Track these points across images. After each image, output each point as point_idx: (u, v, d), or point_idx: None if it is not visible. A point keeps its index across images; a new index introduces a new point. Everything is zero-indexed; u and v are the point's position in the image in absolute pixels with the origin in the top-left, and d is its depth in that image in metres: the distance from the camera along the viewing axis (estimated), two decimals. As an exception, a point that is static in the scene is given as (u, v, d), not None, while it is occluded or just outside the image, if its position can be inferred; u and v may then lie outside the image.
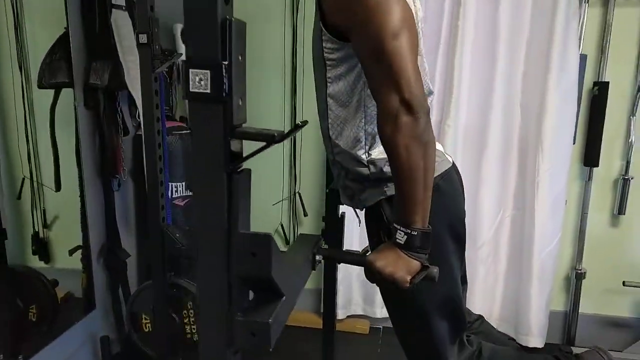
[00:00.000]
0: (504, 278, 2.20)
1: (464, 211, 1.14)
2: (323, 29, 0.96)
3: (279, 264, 0.65)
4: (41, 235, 2.21)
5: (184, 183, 2.22)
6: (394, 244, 0.89)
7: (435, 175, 0.95)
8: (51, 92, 1.96)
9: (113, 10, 1.88)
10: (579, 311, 2.21)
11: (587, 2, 1.97)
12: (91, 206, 2.02)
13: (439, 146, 1.06)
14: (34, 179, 2.19)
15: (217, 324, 0.64)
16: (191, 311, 1.86)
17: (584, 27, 1.99)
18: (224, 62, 0.58)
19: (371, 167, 1.01)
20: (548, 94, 1.96)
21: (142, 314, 1.98)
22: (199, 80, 0.59)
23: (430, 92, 1.12)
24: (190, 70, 0.59)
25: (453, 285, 1.08)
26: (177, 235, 1.81)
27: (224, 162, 0.60)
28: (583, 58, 1.99)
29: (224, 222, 0.61)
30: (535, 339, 2.12)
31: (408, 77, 0.84)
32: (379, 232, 1.00)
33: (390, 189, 1.00)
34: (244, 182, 0.62)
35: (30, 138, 2.14)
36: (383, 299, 1.13)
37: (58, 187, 2.09)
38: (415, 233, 0.87)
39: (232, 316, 0.64)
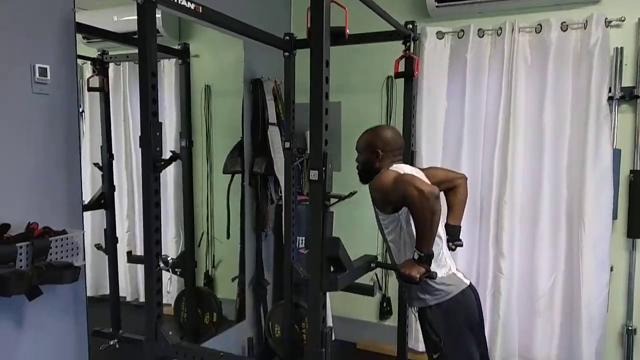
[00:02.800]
0: (559, 327, 2.65)
1: (477, 311, 1.85)
2: (375, 208, 1.84)
3: (343, 253, 1.46)
4: (210, 273, 3.22)
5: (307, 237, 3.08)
6: (412, 259, 1.65)
7: (456, 293, 1.79)
8: (226, 177, 2.99)
9: (269, 126, 2.95)
10: (633, 365, 2.55)
11: (617, 110, 2.54)
12: (248, 249, 3.00)
13: (459, 274, 1.86)
14: (209, 233, 3.24)
15: (316, 278, 1.46)
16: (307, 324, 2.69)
17: (616, 129, 2.55)
18: (323, 168, 1.45)
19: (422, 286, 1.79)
20: (586, 179, 2.51)
21: (275, 324, 2.86)
22: (313, 175, 1.46)
23: (440, 237, 1.84)
24: (310, 170, 1.47)
25: (468, 356, 1.79)
26: (301, 269, 2.68)
27: (321, 207, 1.45)
28: (617, 152, 2.54)
29: (320, 232, 1.45)
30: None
31: (421, 186, 1.60)
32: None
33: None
34: (329, 215, 1.47)
35: (208, 205, 3.22)
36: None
37: (228, 236, 3.12)
38: (423, 254, 1.63)
39: (323, 274, 1.45)
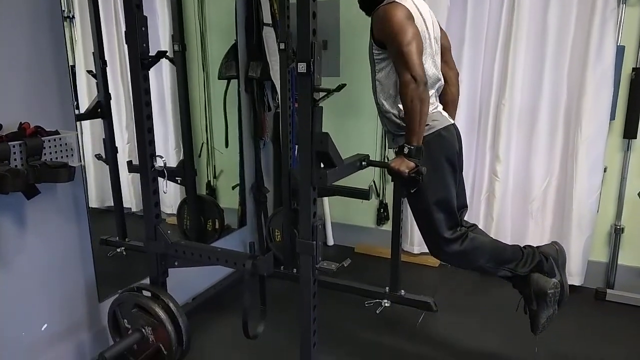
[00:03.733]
0: (550, 228, 2.73)
1: (457, 149, 1.86)
2: (372, 41, 1.78)
3: (333, 149, 1.46)
4: (212, 183, 3.28)
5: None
6: (402, 153, 1.66)
7: (439, 127, 1.76)
8: (223, 82, 2.96)
9: (264, 27, 2.84)
10: (618, 262, 2.64)
11: (625, 3, 2.41)
12: (247, 158, 3.03)
13: (444, 112, 1.85)
14: (209, 143, 3.24)
15: (306, 173, 1.48)
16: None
17: (622, 24, 2.44)
18: (311, 59, 1.41)
19: (401, 121, 1.78)
20: (587, 78, 2.45)
21: (275, 229, 2.96)
22: (301, 67, 1.43)
23: (438, 79, 1.86)
24: (298, 62, 1.43)
25: (447, 192, 1.81)
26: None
27: (310, 101, 1.43)
28: (620, 49, 2.44)
29: (309, 127, 1.44)
30: (573, 278, 2.62)
31: (413, 65, 1.62)
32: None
33: None
34: (318, 111, 1.46)
35: (207, 115, 3.19)
36: (406, 195, 1.89)
37: (226, 145, 3.13)
38: (412, 147, 1.64)
39: (313, 169, 1.47)
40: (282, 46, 2.56)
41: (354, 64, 3.01)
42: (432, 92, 1.81)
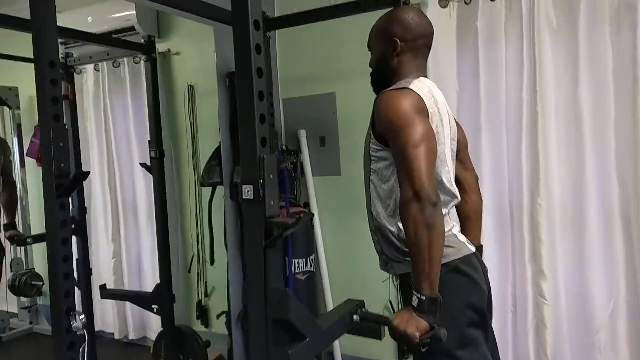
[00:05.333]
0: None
1: (486, 290, 1.33)
2: (372, 133, 1.33)
3: (300, 312, 0.96)
4: (203, 303, 2.81)
5: (305, 259, 2.63)
6: (410, 306, 1.13)
7: (455, 259, 1.24)
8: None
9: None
10: None
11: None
12: (232, 279, 2.54)
13: (461, 237, 1.33)
14: (200, 256, 2.83)
15: (260, 352, 0.97)
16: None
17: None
18: (260, 180, 0.97)
19: (403, 244, 1.28)
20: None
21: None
22: (247, 192, 0.98)
23: (454, 197, 1.37)
24: (243, 185, 0.99)
25: (476, 354, 1.25)
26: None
27: (261, 242, 0.97)
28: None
29: (262, 281, 0.96)
30: None
31: (421, 177, 1.14)
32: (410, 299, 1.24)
33: None
34: (275, 256, 0.98)
35: (198, 224, 2.82)
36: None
37: (212, 262, 2.69)
38: (424, 298, 1.11)
39: (270, 347, 0.96)
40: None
41: (355, 161, 2.60)
42: (445, 210, 1.33)
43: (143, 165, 2.59)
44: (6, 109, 2.88)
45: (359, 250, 2.55)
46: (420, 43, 1.38)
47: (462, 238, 1.35)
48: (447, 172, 1.34)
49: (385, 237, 1.34)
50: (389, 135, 1.25)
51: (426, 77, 1.41)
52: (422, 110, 1.24)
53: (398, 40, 1.35)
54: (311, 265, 2.64)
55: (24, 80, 2.77)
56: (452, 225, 1.36)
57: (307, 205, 2.74)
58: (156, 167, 2.54)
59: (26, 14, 1.26)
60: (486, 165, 2.22)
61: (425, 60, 1.43)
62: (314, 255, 2.68)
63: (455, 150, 1.43)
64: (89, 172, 1.32)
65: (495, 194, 2.23)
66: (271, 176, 0.98)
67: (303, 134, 2.72)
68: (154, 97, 2.52)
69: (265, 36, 2.09)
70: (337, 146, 2.70)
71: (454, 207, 1.43)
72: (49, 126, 1.26)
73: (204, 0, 1.72)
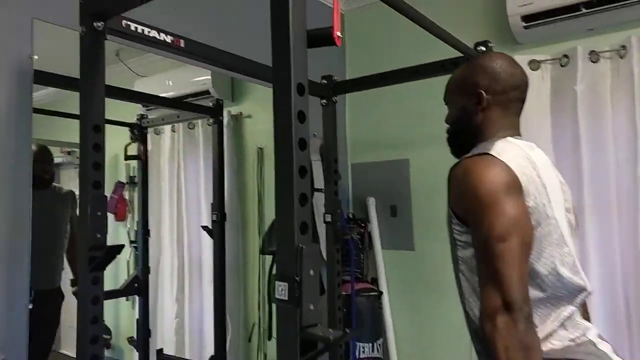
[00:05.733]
0: None
1: None
2: (451, 211, 1.07)
3: None
4: (262, 376, 2.63)
5: (371, 344, 2.35)
6: None
7: None
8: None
9: (314, 192, 2.34)
10: None
11: None
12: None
13: (603, 344, 1.01)
14: (260, 324, 2.67)
15: None
16: None
17: None
18: (296, 277, 0.77)
19: None
20: None
21: None
22: (281, 291, 0.79)
23: (580, 289, 1.05)
24: (276, 282, 0.80)
25: None
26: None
27: (297, 356, 0.76)
28: None
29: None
30: None
31: (510, 281, 0.88)
32: None
33: None
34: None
35: (260, 290, 2.68)
36: None
37: (269, 336, 2.50)
38: None
39: None
40: (329, 218, 1.98)
41: (430, 234, 2.36)
42: (571, 309, 1.02)
43: (204, 228, 2.53)
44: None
45: (435, 336, 2.28)
46: (512, 96, 1.13)
47: (605, 346, 1.01)
48: (567, 255, 1.03)
49: (486, 346, 1.02)
50: (469, 218, 1.00)
51: (519, 136, 1.15)
52: (512, 185, 0.97)
53: (483, 92, 1.12)
54: (378, 351, 2.37)
55: (109, 139, 2.92)
56: (583, 327, 1.04)
57: (374, 281, 2.50)
58: (217, 231, 2.47)
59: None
60: (590, 255, 1.87)
61: (518, 116, 1.17)
62: (381, 339, 2.40)
63: (574, 222, 1.12)
64: (122, 246, 1.20)
65: (604, 283, 1.86)
66: (311, 272, 0.78)
67: (372, 201, 2.52)
68: (218, 160, 2.52)
69: (331, 100, 1.97)
70: (409, 217, 2.48)
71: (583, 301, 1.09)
72: (87, 193, 1.17)
73: (268, 65, 1.66)
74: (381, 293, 2.38)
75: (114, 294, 2.46)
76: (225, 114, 2.55)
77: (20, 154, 1.42)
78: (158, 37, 1.36)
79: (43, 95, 1.72)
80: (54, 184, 1.91)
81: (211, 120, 2.47)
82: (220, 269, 2.46)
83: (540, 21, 2.03)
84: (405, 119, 2.49)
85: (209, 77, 2.61)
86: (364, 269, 2.48)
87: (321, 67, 1.98)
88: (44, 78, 1.47)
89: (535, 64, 2.10)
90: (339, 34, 0.89)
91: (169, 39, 1.38)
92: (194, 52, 1.45)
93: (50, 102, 1.97)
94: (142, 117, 2.67)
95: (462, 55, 1.60)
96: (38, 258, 1.45)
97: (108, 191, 2.84)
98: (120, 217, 2.59)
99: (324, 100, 1.97)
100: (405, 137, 2.48)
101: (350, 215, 2.53)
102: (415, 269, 2.44)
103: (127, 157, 2.49)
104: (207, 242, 2.77)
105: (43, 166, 1.75)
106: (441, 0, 2.36)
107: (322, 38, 0.88)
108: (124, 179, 2.59)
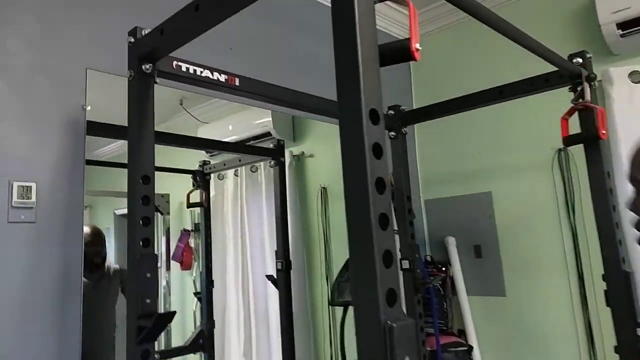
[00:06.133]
0: None
1: None
2: None
3: None
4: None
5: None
6: None
7: None
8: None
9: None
10: None
11: None
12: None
13: None
14: (334, 380, 2.45)
15: None
16: None
17: None
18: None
19: None
20: None
21: None
22: None
23: None
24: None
25: None
26: None
27: None
28: None
29: None
30: None
31: None
32: None
33: None
34: None
35: (332, 343, 2.46)
36: None
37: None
38: None
39: None
40: (406, 264, 1.74)
41: (523, 277, 2.05)
42: None
43: (269, 277, 2.38)
44: (158, 214, 3.00)
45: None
46: None
47: None
48: None
49: None
50: None
51: None
52: None
53: None
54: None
55: (176, 186, 2.92)
56: None
57: (461, 332, 2.19)
58: (282, 280, 2.31)
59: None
60: None
61: None
62: (476, 402, 2.08)
63: None
64: (174, 313, 1.04)
65: None
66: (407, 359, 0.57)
67: (452, 241, 2.26)
68: (281, 202, 2.39)
69: (400, 131, 1.77)
70: (497, 257, 2.18)
71: None
72: (136, 251, 1.04)
73: (329, 99, 1.51)
74: (471, 347, 2.07)
75: (179, 352, 2.35)
76: (287, 154, 2.46)
77: (76, 207, 1.34)
78: (211, 76, 1.25)
79: (115, 147, 1.68)
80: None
81: (273, 162, 2.37)
82: (288, 321, 2.28)
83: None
84: (484, 147, 2.23)
85: (270, 118, 2.56)
86: (449, 319, 2.18)
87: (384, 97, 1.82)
88: (96, 129, 1.40)
89: (637, 76, 1.81)
90: (417, 46, 0.71)
91: (222, 77, 1.27)
92: (250, 89, 1.33)
93: (117, 156, 1.96)
94: (204, 163, 2.64)
95: (552, 70, 1.39)
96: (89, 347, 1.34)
97: (174, 239, 2.81)
98: (187, 267, 2.50)
99: (392, 133, 1.78)
100: (485, 167, 2.21)
101: (428, 259, 2.27)
102: (508, 318, 2.12)
103: (190, 205, 2.42)
104: (273, 292, 2.62)
105: (95, 249, 1.68)
106: (522, 14, 2.14)
107: (397, 53, 0.70)
108: (189, 227, 2.52)
